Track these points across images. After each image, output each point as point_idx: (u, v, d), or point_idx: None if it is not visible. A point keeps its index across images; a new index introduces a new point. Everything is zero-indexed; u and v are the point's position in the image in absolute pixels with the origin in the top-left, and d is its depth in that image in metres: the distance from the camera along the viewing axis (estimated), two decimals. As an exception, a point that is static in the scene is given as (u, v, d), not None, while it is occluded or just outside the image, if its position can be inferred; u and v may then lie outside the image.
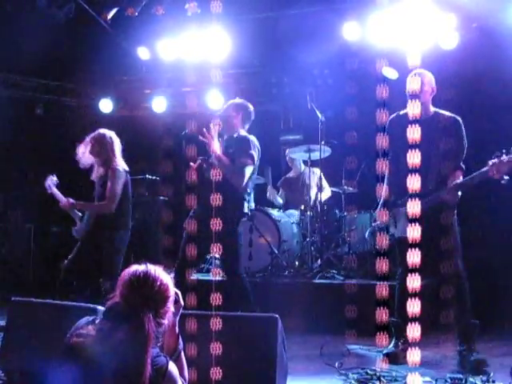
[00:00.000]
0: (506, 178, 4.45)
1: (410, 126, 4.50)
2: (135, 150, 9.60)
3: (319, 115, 7.43)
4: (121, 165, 5.71)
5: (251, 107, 5.82)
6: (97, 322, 2.71)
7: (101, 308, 3.73)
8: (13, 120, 8.62)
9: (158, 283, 2.71)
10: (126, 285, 2.70)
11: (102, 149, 5.66)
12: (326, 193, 7.89)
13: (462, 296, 4.79)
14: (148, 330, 2.58)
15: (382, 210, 5.13)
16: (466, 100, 5.02)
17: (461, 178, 4.81)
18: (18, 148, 9.01)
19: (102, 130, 5.76)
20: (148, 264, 2.77)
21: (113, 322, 2.63)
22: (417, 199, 4.50)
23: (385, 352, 4.96)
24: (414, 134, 4.40)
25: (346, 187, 7.67)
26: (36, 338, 4.16)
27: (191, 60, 7.85)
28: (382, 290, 5.27)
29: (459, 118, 4.93)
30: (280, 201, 8.26)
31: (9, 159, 8.83)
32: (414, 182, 4.35)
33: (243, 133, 5.67)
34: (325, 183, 7.85)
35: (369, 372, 4.52)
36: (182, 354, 2.95)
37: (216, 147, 5.44)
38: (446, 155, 4.83)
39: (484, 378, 4.26)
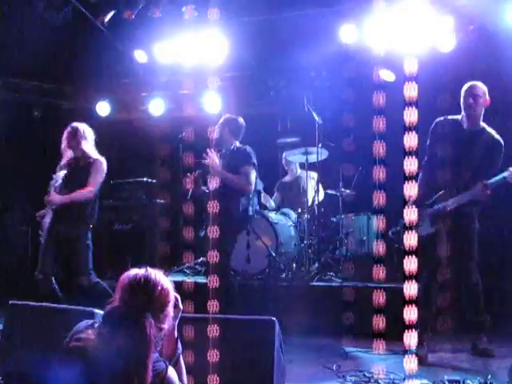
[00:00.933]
0: None
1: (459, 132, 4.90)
2: (132, 153, 9.63)
3: (316, 118, 7.43)
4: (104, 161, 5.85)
5: (239, 119, 6.01)
6: (96, 325, 2.69)
7: (98, 311, 3.72)
8: (10, 123, 8.61)
9: (159, 288, 2.69)
10: (126, 289, 2.68)
11: (77, 141, 5.85)
12: (320, 195, 7.90)
13: (476, 296, 5.09)
14: (149, 335, 2.56)
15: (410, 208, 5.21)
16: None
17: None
18: (16, 150, 9.00)
19: (75, 124, 5.97)
20: (148, 268, 2.76)
21: (113, 326, 2.62)
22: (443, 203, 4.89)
23: (415, 352, 4.95)
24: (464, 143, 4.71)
25: (343, 190, 7.67)
26: (34, 341, 4.15)
27: (188, 63, 7.85)
28: (379, 292, 5.28)
29: (502, 141, 5.10)
30: (273, 204, 8.26)
31: (6, 161, 8.81)
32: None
33: (238, 144, 5.95)
34: (320, 188, 7.86)
35: (366, 374, 4.52)
36: (181, 358, 2.94)
37: (217, 167, 5.70)
38: (481, 166, 5.00)
39: (482, 380, 4.26)
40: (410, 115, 4.63)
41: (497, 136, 5.12)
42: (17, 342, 4.27)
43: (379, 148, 5.26)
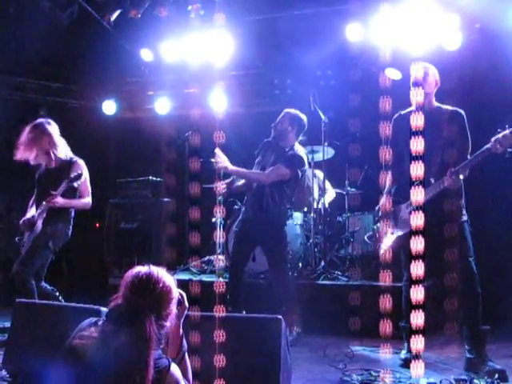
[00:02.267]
0: (510, 150, 4.43)
1: (413, 114, 4.53)
2: (138, 152, 9.65)
3: (322, 116, 7.42)
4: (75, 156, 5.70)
5: (305, 118, 6.12)
6: (99, 323, 2.70)
7: (104, 309, 3.73)
8: (16, 122, 8.63)
9: (161, 285, 2.70)
10: (129, 286, 2.69)
11: (46, 139, 5.65)
12: (330, 195, 7.88)
13: (473, 300, 4.64)
14: (149, 333, 2.57)
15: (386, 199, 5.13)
16: (469, 101, 5.01)
17: None
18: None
19: (39, 120, 5.76)
20: (151, 265, 2.77)
21: (115, 324, 2.63)
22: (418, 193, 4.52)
23: (403, 357, 4.94)
24: (417, 121, 4.43)
25: (349, 188, 7.67)
26: (40, 340, 4.17)
27: (194, 62, 7.85)
28: (385, 291, 5.27)
29: (462, 111, 4.89)
30: None
31: (12, 161, 8.84)
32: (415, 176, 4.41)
33: (296, 146, 6.05)
34: (328, 185, 7.84)
35: (373, 373, 4.53)
36: (186, 356, 2.95)
37: (229, 166, 5.76)
38: (450, 146, 4.76)
39: (489, 380, 4.25)
40: (417, 96, 4.62)
41: (454, 108, 4.92)
42: (24, 340, 4.29)
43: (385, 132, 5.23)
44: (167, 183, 8.86)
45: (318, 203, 7.56)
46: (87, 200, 5.66)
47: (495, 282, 6.14)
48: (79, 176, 5.35)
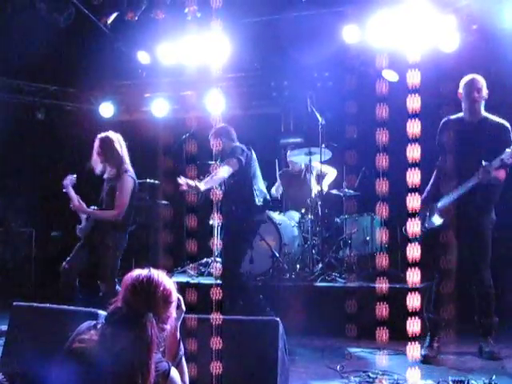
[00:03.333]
0: None
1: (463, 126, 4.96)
2: (136, 154, 9.62)
3: (319, 118, 7.43)
4: (131, 171, 5.77)
5: (225, 125, 6.10)
6: (99, 326, 2.69)
7: (102, 313, 3.73)
8: (14, 124, 8.63)
9: (161, 288, 2.70)
10: (129, 289, 2.69)
11: (113, 153, 5.71)
12: (330, 176, 7.94)
13: (488, 301, 5.04)
14: (151, 336, 2.56)
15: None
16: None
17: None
18: (19, 152, 9.02)
19: (110, 134, 5.79)
20: (151, 269, 2.76)
21: (115, 326, 2.62)
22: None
23: (423, 353, 4.98)
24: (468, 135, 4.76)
25: (346, 190, 7.67)
26: (37, 343, 4.16)
27: (191, 64, 7.87)
28: (382, 292, 5.27)
29: (508, 124, 5.05)
30: (274, 192, 8.19)
31: (10, 164, 8.84)
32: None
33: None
34: (327, 168, 7.86)
35: (370, 375, 4.52)
36: (183, 359, 2.94)
37: (200, 186, 5.57)
38: (489, 159, 4.86)
39: (486, 381, 4.25)
40: (414, 127, 4.64)
41: (500, 120, 5.08)
42: (21, 343, 4.28)
43: (382, 139, 5.25)
44: (164, 186, 8.85)
45: (316, 204, 7.55)
46: (111, 213, 5.69)
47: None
48: None
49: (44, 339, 4.08)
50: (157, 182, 8.89)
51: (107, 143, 5.71)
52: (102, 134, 5.77)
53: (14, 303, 4.57)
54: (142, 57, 8.29)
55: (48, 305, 4.71)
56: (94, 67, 8.50)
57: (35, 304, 4.61)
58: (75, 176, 5.88)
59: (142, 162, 9.55)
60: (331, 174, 7.97)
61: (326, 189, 7.83)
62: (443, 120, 5.27)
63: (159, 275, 2.73)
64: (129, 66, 8.69)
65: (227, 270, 5.80)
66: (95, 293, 5.75)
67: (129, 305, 2.66)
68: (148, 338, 2.55)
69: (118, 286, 5.65)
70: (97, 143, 5.73)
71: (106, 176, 5.79)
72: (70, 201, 5.72)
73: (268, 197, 6.11)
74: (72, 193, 5.78)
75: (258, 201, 5.83)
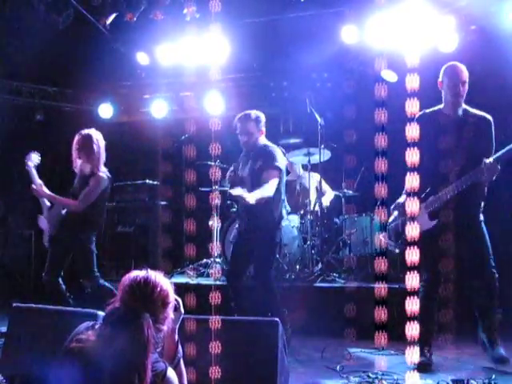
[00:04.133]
0: None
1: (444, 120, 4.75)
2: (135, 155, 9.65)
3: (318, 119, 7.43)
4: (104, 171, 5.78)
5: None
6: (96, 327, 2.70)
7: (100, 313, 3.73)
8: (13, 126, 8.63)
9: (159, 289, 2.71)
10: (127, 289, 2.70)
11: (89, 150, 5.71)
12: (329, 196, 7.89)
13: (494, 295, 4.79)
14: (147, 336, 2.57)
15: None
16: (465, 102, 5.01)
17: None
18: (18, 153, 9.01)
19: (91, 132, 5.81)
20: (149, 270, 2.77)
21: (112, 326, 2.63)
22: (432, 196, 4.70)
23: (417, 362, 4.78)
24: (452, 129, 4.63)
25: (345, 190, 7.67)
26: (37, 344, 4.16)
27: (190, 65, 7.87)
28: (381, 292, 5.27)
29: (489, 117, 4.89)
30: None
31: (9, 165, 8.83)
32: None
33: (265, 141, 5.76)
34: (326, 186, 7.85)
35: (370, 375, 4.52)
36: (181, 361, 2.94)
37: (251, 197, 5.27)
38: (476, 152, 4.74)
39: (486, 381, 4.26)
40: (412, 107, 4.62)
41: (481, 113, 4.91)
42: (20, 344, 4.28)
43: (381, 140, 5.23)
44: (164, 187, 8.86)
45: (314, 205, 7.57)
46: (75, 203, 5.71)
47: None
48: None
49: (43, 340, 4.08)
50: (156, 182, 8.89)
51: (86, 140, 5.73)
52: (83, 131, 5.79)
53: (14, 304, 4.56)
54: (141, 58, 8.29)
55: (47, 306, 4.72)
56: (92, 68, 8.50)
57: (34, 305, 4.61)
58: (39, 155, 5.87)
59: (140, 162, 9.62)
60: (329, 194, 7.93)
61: (326, 204, 7.82)
62: (419, 114, 4.96)
63: (156, 276, 2.74)
64: (128, 67, 8.69)
65: (264, 275, 5.60)
66: (82, 290, 5.77)
67: (126, 305, 2.67)
68: (144, 338, 2.56)
69: (101, 280, 5.69)
70: (76, 139, 5.76)
71: (78, 173, 5.80)
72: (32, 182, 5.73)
73: None
74: (34, 173, 5.80)
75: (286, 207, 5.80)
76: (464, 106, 4.95)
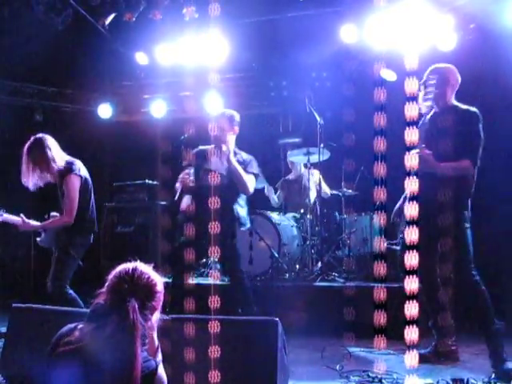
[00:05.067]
0: None
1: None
2: (134, 155, 9.64)
3: (318, 118, 7.43)
4: (76, 168, 5.46)
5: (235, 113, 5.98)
6: (80, 326, 2.66)
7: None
8: (12, 126, 8.62)
9: (146, 276, 2.68)
10: (114, 277, 2.67)
11: (43, 157, 5.43)
12: (325, 193, 7.91)
13: (481, 302, 4.61)
14: (133, 319, 2.52)
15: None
16: (464, 101, 5.01)
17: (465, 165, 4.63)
18: (18, 154, 9.01)
19: (36, 139, 5.51)
20: (138, 261, 2.75)
21: (98, 321, 2.60)
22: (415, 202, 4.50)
23: (421, 352, 4.84)
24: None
25: (345, 190, 7.67)
26: (37, 344, 4.15)
27: (189, 64, 7.86)
28: (381, 292, 5.26)
29: (474, 110, 4.80)
30: (276, 200, 8.24)
31: (8, 166, 8.83)
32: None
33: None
34: (324, 186, 7.86)
35: (370, 375, 4.52)
36: (161, 365, 2.86)
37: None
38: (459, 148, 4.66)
39: (486, 380, 4.26)
40: (411, 110, 4.60)
41: (466, 107, 4.84)
42: (20, 345, 4.28)
43: (381, 144, 5.21)
44: (163, 186, 8.85)
45: (314, 204, 7.57)
46: (64, 219, 5.46)
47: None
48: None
49: (43, 341, 4.08)
50: (155, 182, 8.89)
51: (36, 148, 5.45)
52: (28, 144, 5.52)
53: (13, 305, 4.57)
54: (140, 58, 8.29)
55: (47, 306, 4.71)
56: (92, 68, 8.51)
57: (34, 305, 4.61)
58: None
59: (140, 162, 9.61)
60: (326, 191, 7.96)
61: (328, 191, 7.88)
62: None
63: (146, 268, 2.72)
64: (127, 67, 8.70)
65: (241, 271, 5.81)
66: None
67: (113, 292, 2.63)
68: (130, 321, 2.51)
69: (67, 291, 5.42)
70: (24, 154, 5.51)
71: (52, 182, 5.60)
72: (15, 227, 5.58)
73: None
74: (10, 218, 5.68)
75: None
76: (454, 102, 4.93)
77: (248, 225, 6.02)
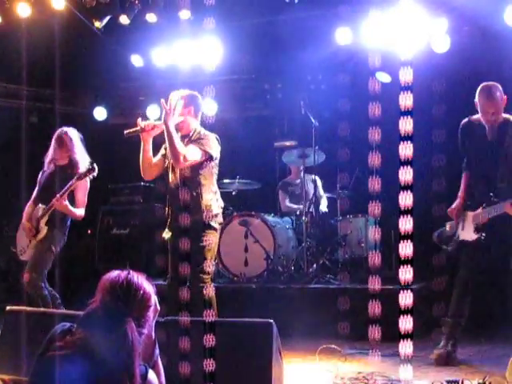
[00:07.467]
0: None
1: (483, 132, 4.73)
2: (129, 158, 9.61)
3: (313, 120, 7.44)
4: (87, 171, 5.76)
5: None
6: (73, 330, 2.64)
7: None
8: (7, 128, 8.62)
9: (141, 292, 2.63)
10: (108, 291, 2.61)
11: (66, 148, 5.93)
12: (324, 201, 7.92)
13: None
14: (132, 340, 2.50)
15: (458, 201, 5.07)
16: (458, 103, 5.02)
17: None
18: (13, 156, 9.00)
19: (65, 129, 6.01)
20: (130, 271, 2.71)
21: (93, 330, 2.55)
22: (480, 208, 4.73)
23: (435, 351, 4.94)
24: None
25: (340, 192, 7.67)
26: (31, 347, 4.14)
27: (185, 67, 7.86)
28: (377, 293, 5.27)
29: None
30: (289, 205, 8.13)
31: (3, 167, 8.82)
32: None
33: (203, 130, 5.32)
34: (321, 192, 7.89)
35: (365, 376, 4.53)
36: (159, 360, 2.87)
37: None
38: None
39: (480, 381, 4.26)
40: (407, 100, 4.60)
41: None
42: (14, 347, 4.27)
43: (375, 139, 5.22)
44: (158, 188, 8.84)
45: (309, 207, 7.56)
46: (80, 212, 5.71)
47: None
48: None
49: (38, 344, 4.07)
50: (151, 184, 8.87)
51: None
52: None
53: (7, 308, 4.56)
54: (136, 60, 8.29)
55: (41, 309, 4.71)
56: (87, 71, 8.50)
57: (28, 308, 4.61)
58: None
59: (136, 164, 9.58)
60: (324, 200, 7.95)
61: (324, 209, 7.86)
62: (463, 121, 5.00)
63: (139, 278, 2.68)
64: (122, 70, 8.69)
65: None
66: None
67: (107, 307, 2.58)
68: (129, 343, 2.49)
69: (43, 288, 5.52)
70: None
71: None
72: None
73: None
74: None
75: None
76: (506, 116, 4.86)
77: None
